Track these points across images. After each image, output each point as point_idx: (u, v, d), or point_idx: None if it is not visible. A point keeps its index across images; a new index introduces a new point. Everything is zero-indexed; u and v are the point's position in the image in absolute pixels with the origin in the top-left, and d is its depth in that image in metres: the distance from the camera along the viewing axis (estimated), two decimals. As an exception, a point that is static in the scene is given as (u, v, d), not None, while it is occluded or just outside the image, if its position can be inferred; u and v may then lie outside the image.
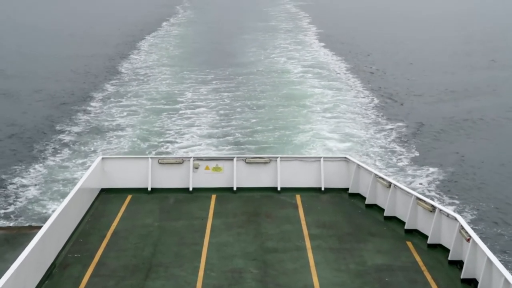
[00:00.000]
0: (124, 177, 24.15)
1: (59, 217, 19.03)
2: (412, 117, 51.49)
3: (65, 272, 18.14)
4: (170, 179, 24.29)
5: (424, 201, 20.64)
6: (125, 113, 51.13)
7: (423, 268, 18.42)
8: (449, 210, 20.04)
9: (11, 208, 33.14)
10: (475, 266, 17.50)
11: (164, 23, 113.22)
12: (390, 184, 22.06)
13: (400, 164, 40.35)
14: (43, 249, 17.76)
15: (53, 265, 18.40)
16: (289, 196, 23.65)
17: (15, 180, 36.87)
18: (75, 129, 46.89)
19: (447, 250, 19.14)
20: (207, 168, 24.42)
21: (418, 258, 19.00)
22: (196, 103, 55.13)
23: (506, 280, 15.51)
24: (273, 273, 18.13)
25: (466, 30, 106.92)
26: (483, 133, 47.89)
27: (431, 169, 39.23)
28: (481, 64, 76.51)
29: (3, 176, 37.42)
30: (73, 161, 40.09)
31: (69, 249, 19.48)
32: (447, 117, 51.64)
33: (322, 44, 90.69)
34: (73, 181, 35.25)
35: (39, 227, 18.90)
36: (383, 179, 22.54)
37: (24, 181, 36.65)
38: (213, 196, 23.56)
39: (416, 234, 20.67)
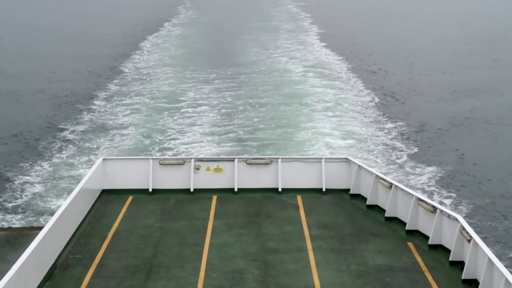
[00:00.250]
0: (125, 178, 24.16)
1: (60, 218, 19.03)
2: (413, 117, 51.53)
3: (66, 273, 18.16)
4: (171, 180, 24.29)
5: (425, 202, 20.64)
6: (128, 111, 51.79)
7: (424, 268, 18.42)
8: (450, 210, 20.05)
9: (18, 202, 34.05)
10: (476, 266, 17.49)
11: (166, 24, 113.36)
12: (391, 184, 22.05)
13: (401, 163, 40.39)
14: (44, 250, 17.77)
15: (54, 266, 18.41)
16: (290, 197, 23.65)
17: (21, 177, 37.46)
18: (79, 127, 47.39)
19: (448, 251, 19.13)
20: (208, 169, 24.42)
21: (419, 259, 19.00)
22: (198, 101, 55.64)
23: (507, 281, 15.51)
24: (274, 273, 18.14)
25: (466, 30, 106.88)
26: (484, 133, 47.90)
27: (432, 169, 39.25)
28: (482, 63, 76.49)
29: (10, 174, 37.95)
30: (77, 158, 40.71)
31: (70, 250, 19.49)
32: (448, 116, 51.63)
33: (324, 44, 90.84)
34: (77, 178, 35.85)
35: (40, 228, 18.93)
36: (384, 180, 22.53)
37: (30, 178, 37.25)
38: (214, 197, 23.57)
39: (417, 235, 20.66)
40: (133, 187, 24.12)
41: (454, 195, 35.51)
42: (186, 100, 56.05)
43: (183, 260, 18.84)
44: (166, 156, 38.73)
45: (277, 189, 24.18)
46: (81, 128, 47.19)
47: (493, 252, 17.04)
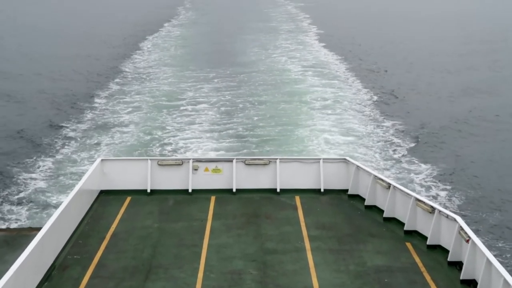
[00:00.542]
0: (123, 178, 24.14)
1: (58, 218, 19.03)
2: (412, 116, 51.63)
3: (64, 274, 18.15)
4: (170, 180, 24.28)
5: (424, 202, 20.64)
6: (129, 109, 52.49)
7: (423, 269, 18.43)
8: (448, 211, 20.04)
9: (21, 195, 34.85)
10: (475, 267, 17.51)
11: (166, 24, 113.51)
12: (389, 185, 22.06)
13: (399, 162, 40.41)
14: (43, 250, 17.76)
15: (52, 267, 18.40)
16: (289, 197, 23.65)
17: (24, 173, 38.12)
18: (81, 125, 47.98)
19: (446, 251, 19.14)
20: (206, 169, 24.41)
21: (417, 259, 19.01)
22: (198, 99, 56.24)
23: (505, 281, 15.53)
24: (273, 274, 18.14)
25: (465, 30, 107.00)
26: (483, 133, 47.93)
27: (431, 169, 39.27)
28: (481, 64, 76.55)
29: (16, 169, 38.64)
30: (79, 154, 41.42)
31: (68, 251, 19.48)
32: (447, 116, 51.69)
33: (323, 44, 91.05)
34: (78, 174, 36.49)
35: (39, 229, 18.91)
36: (382, 180, 22.54)
37: (33, 175, 37.86)
38: (213, 198, 23.55)
39: (415, 235, 20.67)
40: (132, 187, 24.10)
41: (452, 195, 35.53)
42: (186, 98, 56.51)
43: (182, 261, 18.83)
44: (165, 157, 38.74)
45: (276, 189, 24.17)
46: (83, 126, 47.73)
47: (491, 252, 17.07)
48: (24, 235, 21.50)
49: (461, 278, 17.67)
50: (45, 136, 45.13)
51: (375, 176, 22.84)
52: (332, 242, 20.10)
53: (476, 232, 22.25)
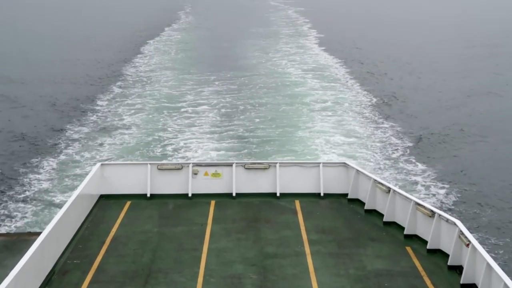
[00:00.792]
0: (123, 183, 24.13)
1: (58, 223, 19.01)
2: (412, 119, 51.77)
3: (64, 279, 18.12)
4: (169, 185, 24.27)
5: (424, 206, 20.62)
6: (131, 112, 53.29)
7: (423, 273, 18.41)
8: (448, 215, 20.02)
9: (26, 194, 35.69)
10: (475, 271, 17.49)
11: (167, 28, 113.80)
12: (389, 189, 22.04)
13: (399, 166, 40.40)
14: (43, 255, 17.75)
15: (52, 272, 18.38)
16: (288, 201, 23.63)
17: (30, 173, 39.01)
18: (84, 128, 48.74)
19: (446, 255, 19.12)
20: (206, 174, 24.40)
21: (417, 263, 18.99)
22: (199, 101, 56.94)
23: (505, 285, 15.51)
24: (273, 278, 18.12)
25: (466, 33, 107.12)
26: (484, 137, 47.90)
27: (431, 172, 39.28)
28: (482, 66, 76.62)
29: (22, 170, 39.46)
30: (82, 154, 42.38)
31: (68, 256, 19.46)
32: (447, 120, 51.76)
33: (323, 48, 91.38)
34: (80, 175, 37.19)
35: (39, 234, 18.88)
36: (382, 184, 22.52)
37: (39, 176, 38.62)
38: (212, 202, 23.54)
39: (415, 239, 20.65)
40: (131, 192, 24.10)
41: (452, 199, 35.51)
42: (187, 101, 57.12)
43: (182, 265, 18.82)
44: (164, 161, 38.84)
45: (275, 193, 24.17)
46: (85, 129, 48.46)
47: (491, 257, 17.03)
48: (24, 239, 21.46)
49: (461, 282, 17.65)
50: (49, 138, 45.92)
51: (375, 180, 22.83)
52: (332, 246, 20.09)
53: (476, 236, 22.30)
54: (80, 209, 21.80)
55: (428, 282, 17.90)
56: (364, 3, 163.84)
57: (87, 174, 26.20)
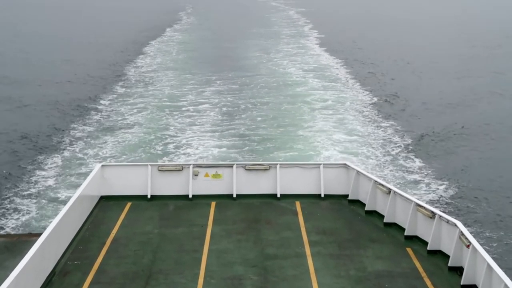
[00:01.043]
0: (123, 184, 24.12)
1: (58, 224, 19.02)
2: (412, 120, 51.79)
3: (65, 280, 18.13)
4: (170, 186, 24.26)
5: (424, 208, 20.62)
6: (133, 111, 53.81)
7: (423, 274, 18.40)
8: (449, 216, 20.01)
9: (31, 191, 36.34)
10: (475, 272, 17.48)
11: (168, 29, 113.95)
12: (389, 190, 22.03)
13: (400, 170, 40.36)
14: (43, 256, 17.75)
15: (52, 273, 18.38)
16: (289, 202, 23.62)
17: (37, 169, 39.96)
18: (87, 127, 49.29)
19: (447, 256, 19.12)
20: (206, 175, 24.40)
21: (418, 264, 18.99)
22: (200, 101, 57.52)
23: (506, 286, 15.51)
24: (273, 279, 18.12)
25: (468, 34, 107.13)
26: (484, 138, 47.88)
27: (432, 175, 39.23)
28: (482, 67, 76.63)
29: (29, 167, 40.15)
30: (86, 151, 43.16)
31: (68, 257, 19.46)
32: (448, 121, 51.71)
33: (324, 48, 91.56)
34: (84, 173, 37.80)
35: (39, 235, 18.90)
36: (382, 185, 22.51)
37: (44, 173, 39.42)
38: (213, 203, 23.53)
39: (416, 241, 20.64)
40: (132, 193, 24.09)
41: (453, 200, 35.48)
42: (188, 101, 57.57)
43: (182, 267, 18.81)
44: (165, 162, 38.94)
45: (276, 195, 24.15)
46: (88, 128, 48.93)
47: (492, 258, 17.02)
48: (24, 241, 21.49)
49: (461, 283, 17.65)
50: (53, 136, 46.62)
51: (376, 181, 22.82)
52: (333, 247, 20.08)
53: (476, 237, 22.29)
54: (81, 210, 21.80)
55: (428, 283, 17.90)
56: (365, 3, 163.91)
57: (90, 171, 26.22)
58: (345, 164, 24.76)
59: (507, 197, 36.50)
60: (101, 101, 57.57)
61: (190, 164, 24.67)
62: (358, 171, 23.82)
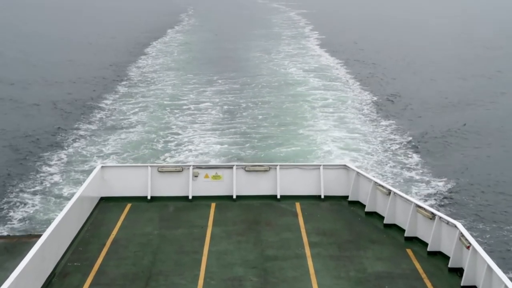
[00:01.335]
0: (123, 185, 24.11)
1: (58, 225, 19.02)
2: (413, 122, 51.79)
3: (64, 281, 18.13)
4: (170, 187, 24.25)
5: (424, 209, 20.60)
6: (135, 110, 54.35)
7: (423, 275, 18.40)
8: (449, 217, 20.00)
9: (37, 188, 36.85)
10: (475, 273, 17.48)
11: (169, 30, 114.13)
12: (389, 191, 22.02)
13: (401, 170, 40.35)
14: (43, 257, 17.75)
15: (52, 274, 18.38)
16: (289, 204, 23.61)
17: (43, 165, 40.61)
18: (90, 125, 49.84)
19: (447, 258, 19.11)
20: (206, 176, 24.39)
21: (418, 266, 18.98)
22: (201, 100, 58.12)
23: (506, 287, 15.47)
24: (273, 281, 18.11)
25: (469, 35, 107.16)
26: (484, 140, 47.85)
27: (431, 176, 39.20)
28: (483, 67, 76.65)
29: (37, 164, 40.75)
30: (88, 149, 43.83)
31: (68, 258, 19.46)
32: (449, 123, 51.68)
33: (324, 49, 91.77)
34: (86, 171, 38.36)
35: (39, 236, 18.91)
36: (382, 186, 22.50)
37: (50, 169, 40.04)
38: (213, 204, 23.52)
39: (416, 242, 20.63)
40: (132, 194, 24.09)
41: (453, 201, 35.46)
42: (190, 100, 58.07)
43: (182, 268, 18.81)
44: (166, 162, 39.12)
45: (276, 196, 24.15)
46: (92, 127, 49.45)
47: (492, 259, 16.99)
48: (24, 242, 21.47)
49: (461, 284, 17.65)
50: (57, 135, 47.19)
51: (375, 182, 22.81)
52: (333, 248, 20.08)
53: (476, 238, 22.25)
54: (81, 211, 21.80)
55: (428, 284, 17.90)
56: (366, 5, 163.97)
57: (93, 169, 26.25)
58: (345, 165, 24.77)
59: (508, 198, 36.46)
60: (104, 101, 58.07)
61: (190, 165, 24.67)
62: (358, 172, 23.81)
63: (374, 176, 27.36)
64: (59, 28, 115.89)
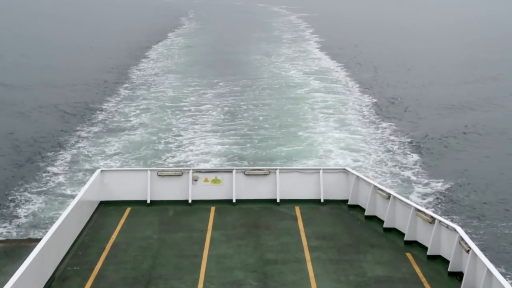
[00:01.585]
0: (123, 189, 24.11)
1: (58, 230, 19.01)
2: (413, 125, 51.83)
3: (64, 285, 18.12)
4: (169, 191, 24.24)
5: (424, 213, 20.59)
6: (137, 112, 54.92)
7: (423, 279, 18.38)
8: (448, 221, 19.99)
9: (42, 187, 37.35)
10: (475, 277, 17.45)
11: (170, 34, 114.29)
12: (389, 195, 22.01)
13: (399, 172, 40.37)
14: (42, 262, 17.74)
15: (52, 278, 18.38)
16: (289, 208, 23.59)
17: (48, 166, 41.12)
18: (93, 127, 50.27)
19: (446, 262, 19.10)
20: (206, 180, 24.38)
21: (417, 270, 18.97)
22: (202, 102, 58.51)
23: (505, 292, 15.49)
24: (273, 285, 18.10)
25: (469, 39, 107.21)
26: (484, 144, 47.83)
27: (431, 179, 39.18)
28: (484, 75, 76.60)
29: (41, 164, 41.26)
30: (92, 149, 44.42)
31: (68, 262, 19.45)
32: (449, 126, 51.68)
33: (324, 52, 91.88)
34: (88, 170, 39.02)
35: (38, 240, 18.90)
36: (382, 190, 22.49)
37: (54, 169, 40.56)
38: (213, 208, 23.52)
39: (415, 246, 20.62)
40: (131, 198, 24.08)
41: (453, 205, 35.43)
42: (190, 102, 58.45)
43: (182, 272, 18.80)
44: (164, 167, 39.08)
45: (276, 200, 24.14)
46: (94, 129, 49.87)
47: (492, 263, 16.99)
48: (24, 246, 21.48)
49: (461, 288, 17.65)
50: (59, 137, 47.59)
51: (375, 186, 22.80)
52: (332, 252, 20.07)
53: (476, 242, 22.22)
54: (80, 215, 21.79)
55: (428, 288, 17.91)
56: (366, 9, 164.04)
57: (94, 171, 26.27)
58: (344, 169, 24.75)
59: (508, 202, 36.43)
60: (106, 103, 58.51)
61: (189, 169, 24.65)
62: (357, 176, 23.80)
63: (373, 180, 27.33)
64: (61, 33, 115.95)
